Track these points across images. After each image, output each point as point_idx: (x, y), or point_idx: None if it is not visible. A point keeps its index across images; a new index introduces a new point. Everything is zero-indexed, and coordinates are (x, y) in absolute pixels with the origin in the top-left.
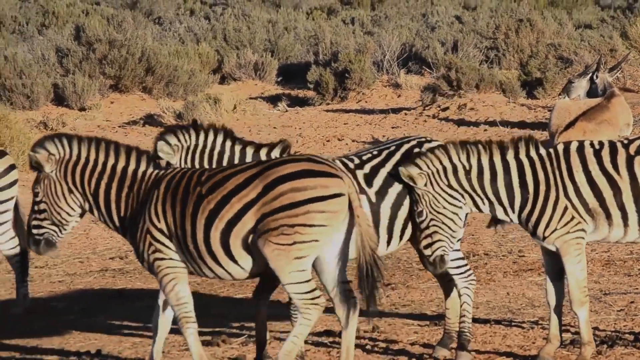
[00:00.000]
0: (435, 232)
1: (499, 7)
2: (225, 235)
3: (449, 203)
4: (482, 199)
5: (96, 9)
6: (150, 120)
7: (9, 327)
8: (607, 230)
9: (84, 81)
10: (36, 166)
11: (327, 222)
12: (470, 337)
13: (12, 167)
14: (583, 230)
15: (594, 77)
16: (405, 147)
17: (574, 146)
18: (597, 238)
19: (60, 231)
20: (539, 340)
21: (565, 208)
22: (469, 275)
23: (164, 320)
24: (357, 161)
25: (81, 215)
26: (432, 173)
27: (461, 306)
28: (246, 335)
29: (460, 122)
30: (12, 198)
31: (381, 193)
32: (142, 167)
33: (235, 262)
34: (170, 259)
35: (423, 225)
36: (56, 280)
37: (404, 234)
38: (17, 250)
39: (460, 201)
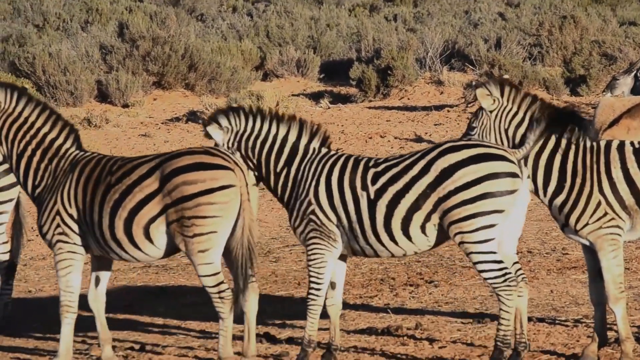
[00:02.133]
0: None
1: (543, 4)
2: (128, 224)
3: (499, 130)
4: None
5: (139, 6)
6: (192, 117)
7: (55, 321)
8: None
9: (127, 78)
10: None
11: (219, 213)
12: (505, 347)
13: None
14: (618, 227)
15: (639, 74)
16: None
17: (615, 144)
18: (635, 237)
19: None
20: (582, 339)
21: (599, 203)
22: (505, 280)
23: (98, 294)
24: (380, 160)
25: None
26: (498, 103)
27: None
28: (288, 333)
29: None
30: (12, 200)
31: (381, 190)
32: (67, 145)
33: (138, 248)
34: (74, 244)
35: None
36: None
37: (408, 233)
38: (6, 256)
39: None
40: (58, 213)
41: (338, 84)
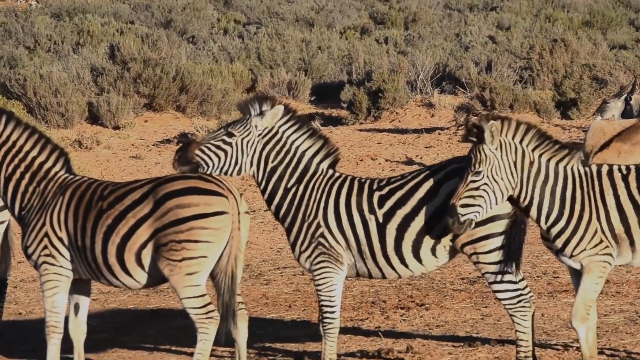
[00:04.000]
0: (481, 196)
1: (533, 27)
2: (120, 250)
3: (509, 178)
4: (526, 194)
5: (131, 28)
6: (184, 139)
7: (42, 345)
8: (631, 256)
9: (119, 100)
10: None
11: (211, 238)
12: None
13: None
14: (610, 255)
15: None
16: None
17: (604, 169)
18: (620, 263)
19: None
20: None
21: (596, 231)
22: (519, 302)
23: (78, 322)
24: (382, 183)
25: None
26: (507, 143)
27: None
28: (280, 355)
29: None
30: (3, 222)
31: (389, 214)
32: (56, 168)
33: (129, 275)
34: (60, 266)
35: (474, 185)
36: (90, 298)
37: (418, 255)
38: None
39: (512, 184)
40: (46, 235)
41: (329, 107)
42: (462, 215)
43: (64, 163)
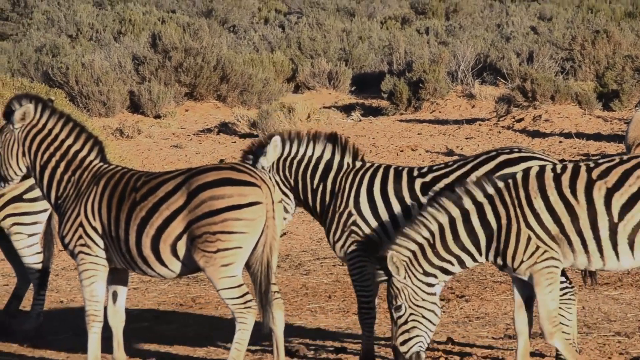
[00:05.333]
0: (415, 327)
1: (575, 18)
2: (155, 242)
3: (428, 294)
4: (451, 261)
5: (172, 17)
6: (224, 128)
7: (84, 332)
8: (572, 257)
9: (160, 89)
10: (7, 115)
11: (246, 229)
12: None
13: None
14: (553, 258)
15: None
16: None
17: (533, 171)
18: (566, 265)
19: (2, 183)
20: (615, 356)
21: (529, 238)
22: (564, 294)
23: (117, 310)
24: (424, 170)
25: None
26: (408, 261)
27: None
28: (320, 345)
29: (535, 134)
30: (46, 210)
31: None
32: (91, 157)
33: (165, 265)
34: (96, 256)
35: (401, 321)
36: (131, 287)
37: None
38: (39, 266)
39: (435, 285)
40: (81, 225)
41: (369, 97)
42: (406, 353)
43: (99, 152)
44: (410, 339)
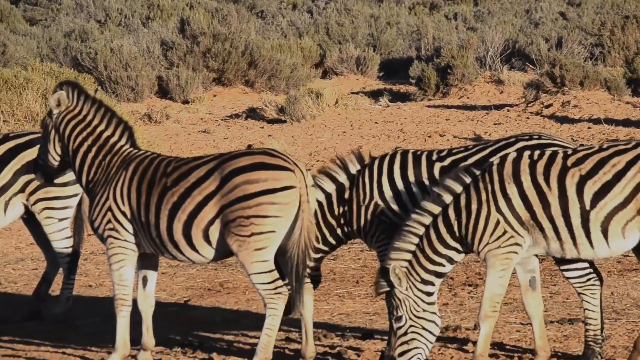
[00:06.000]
0: (414, 339)
1: (605, 4)
2: (187, 227)
3: (428, 303)
4: (442, 263)
5: (200, 2)
6: (252, 113)
7: (112, 317)
8: (545, 243)
9: (188, 74)
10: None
11: (279, 213)
12: (594, 349)
13: None
14: (516, 244)
15: None
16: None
17: (510, 157)
18: (537, 253)
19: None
20: None
21: (497, 222)
22: (588, 280)
23: (146, 295)
24: (443, 154)
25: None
26: (407, 272)
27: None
28: (347, 330)
29: (564, 120)
30: (77, 195)
31: None
32: (122, 142)
33: (196, 251)
34: (125, 240)
35: (401, 332)
36: (159, 272)
37: None
38: (69, 250)
39: (433, 293)
40: (110, 209)
41: (397, 82)
42: None
43: (129, 137)
44: (408, 350)
